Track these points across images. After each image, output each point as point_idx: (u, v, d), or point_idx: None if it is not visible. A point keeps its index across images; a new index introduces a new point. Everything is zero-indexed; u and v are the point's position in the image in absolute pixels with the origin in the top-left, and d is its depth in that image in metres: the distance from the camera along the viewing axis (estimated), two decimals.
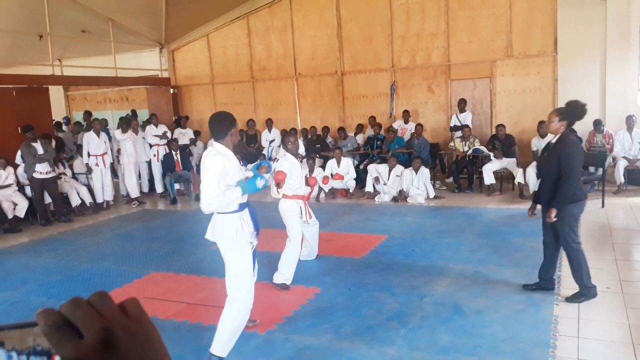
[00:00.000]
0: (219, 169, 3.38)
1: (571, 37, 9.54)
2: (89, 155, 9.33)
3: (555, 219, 4.28)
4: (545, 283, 4.63)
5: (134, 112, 12.75)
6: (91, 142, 9.30)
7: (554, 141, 4.41)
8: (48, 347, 0.47)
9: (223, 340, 3.57)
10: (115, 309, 0.51)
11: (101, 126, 9.72)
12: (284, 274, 5.11)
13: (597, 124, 8.97)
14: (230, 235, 3.51)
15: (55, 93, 13.53)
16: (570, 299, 4.41)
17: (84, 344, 0.47)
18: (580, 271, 4.38)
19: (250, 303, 3.58)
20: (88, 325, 0.48)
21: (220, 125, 3.52)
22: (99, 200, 9.54)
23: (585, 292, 4.39)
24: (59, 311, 0.49)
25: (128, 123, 10.17)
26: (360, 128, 11.13)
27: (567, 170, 4.21)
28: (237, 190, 3.44)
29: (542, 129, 8.55)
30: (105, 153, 9.50)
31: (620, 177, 8.49)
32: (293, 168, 5.19)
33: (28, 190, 8.58)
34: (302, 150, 10.83)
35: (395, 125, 10.49)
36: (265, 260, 5.97)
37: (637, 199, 8.07)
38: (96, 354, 0.47)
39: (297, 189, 5.28)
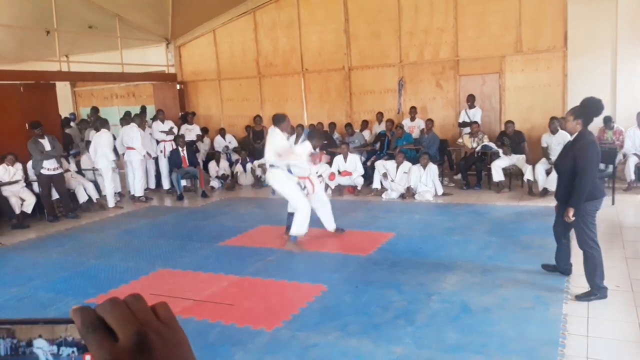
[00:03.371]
0: (284, 140, 6.11)
1: (581, 32, 9.42)
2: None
3: (573, 218, 4.33)
4: (562, 268, 4.78)
5: (143, 108, 12.77)
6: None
7: (571, 139, 4.45)
8: (79, 338, 0.49)
9: (296, 225, 6.08)
10: (150, 313, 0.51)
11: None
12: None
13: (607, 120, 8.87)
14: (281, 177, 6.14)
15: (62, 89, 13.55)
16: (580, 297, 4.36)
17: (119, 346, 0.48)
18: (594, 271, 4.35)
19: (308, 206, 6.14)
20: (123, 328, 0.48)
21: (279, 117, 6.20)
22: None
23: (596, 291, 4.35)
24: (95, 310, 0.49)
25: (128, 119, 10.20)
26: (365, 124, 11.06)
27: (582, 169, 4.24)
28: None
29: (552, 125, 8.47)
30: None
31: (630, 174, 8.40)
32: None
33: (36, 186, 8.60)
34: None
35: (403, 122, 10.42)
36: (271, 257, 5.96)
37: None
38: (130, 356, 0.48)
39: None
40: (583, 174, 4.24)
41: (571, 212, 4.33)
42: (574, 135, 4.42)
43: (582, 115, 4.31)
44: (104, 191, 9.56)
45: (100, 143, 9.16)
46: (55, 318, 0.49)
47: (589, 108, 4.32)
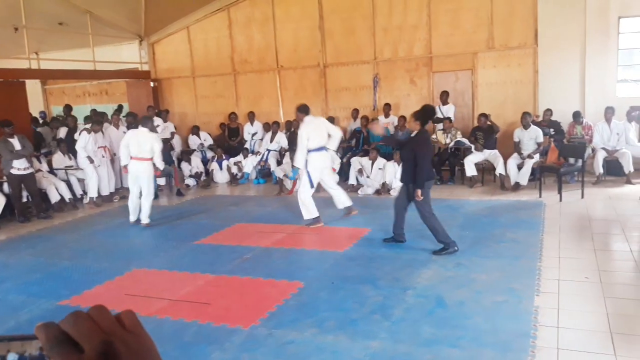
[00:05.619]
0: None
1: (551, 29, 9.60)
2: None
3: (422, 197, 5.37)
4: (398, 236, 5.90)
5: (120, 106, 12.59)
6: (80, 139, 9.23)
7: (413, 135, 5.56)
8: (36, 354, 0.48)
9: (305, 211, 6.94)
10: (114, 322, 0.51)
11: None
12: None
13: (577, 115, 9.06)
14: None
15: (32, 87, 13.26)
16: (437, 253, 5.46)
17: (84, 358, 0.48)
18: (439, 232, 5.46)
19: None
20: (88, 339, 0.48)
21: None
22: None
23: (447, 246, 5.47)
24: (59, 325, 0.49)
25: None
26: (331, 120, 11.05)
27: (421, 159, 5.34)
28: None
29: (524, 120, 8.62)
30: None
31: (599, 168, 8.60)
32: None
33: (5, 186, 8.41)
34: (284, 143, 10.80)
35: (378, 118, 10.48)
36: (247, 255, 5.96)
37: (615, 190, 8.18)
38: None
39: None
40: (421, 163, 5.32)
41: (419, 192, 5.36)
42: (414, 133, 5.52)
43: (420, 117, 5.42)
44: (78, 191, 9.45)
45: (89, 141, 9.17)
46: (19, 335, 0.49)
47: (426, 113, 5.47)
